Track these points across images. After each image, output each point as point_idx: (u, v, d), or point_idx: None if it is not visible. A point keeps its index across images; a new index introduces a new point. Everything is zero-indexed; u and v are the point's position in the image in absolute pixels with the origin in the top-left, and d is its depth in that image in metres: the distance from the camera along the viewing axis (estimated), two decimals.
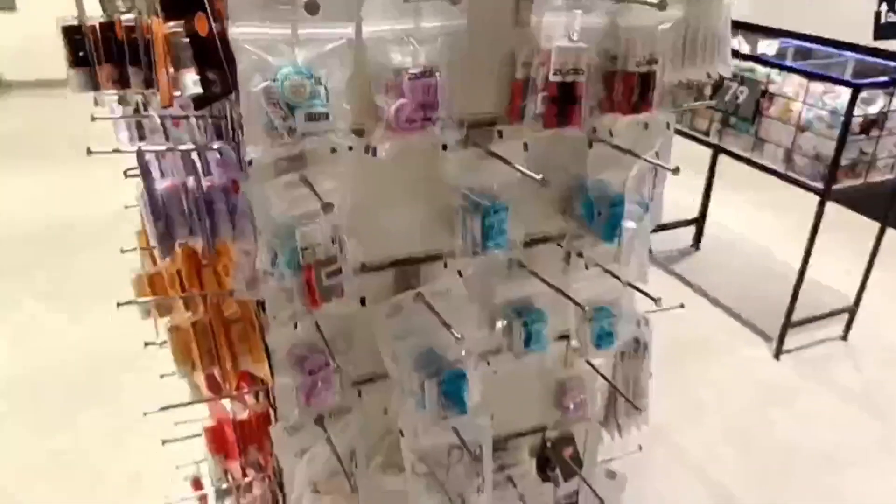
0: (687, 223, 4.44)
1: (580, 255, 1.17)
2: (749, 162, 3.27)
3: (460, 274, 1.09)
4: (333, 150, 0.91)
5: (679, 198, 4.73)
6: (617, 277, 1.14)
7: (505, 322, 1.18)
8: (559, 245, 1.17)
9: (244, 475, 1.30)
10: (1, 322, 3.29)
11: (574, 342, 1.22)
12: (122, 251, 1.22)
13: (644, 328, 1.45)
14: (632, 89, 1.01)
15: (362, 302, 1.00)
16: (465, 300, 1.09)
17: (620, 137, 1.07)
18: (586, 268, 1.16)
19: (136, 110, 1.30)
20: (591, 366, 1.28)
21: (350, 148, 0.87)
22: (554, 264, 1.21)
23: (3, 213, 4.46)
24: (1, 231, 4.18)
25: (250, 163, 0.83)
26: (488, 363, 1.22)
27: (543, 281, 1.13)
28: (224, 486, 1.28)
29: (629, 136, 1.07)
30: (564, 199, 1.15)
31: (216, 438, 1.21)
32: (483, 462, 1.21)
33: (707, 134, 3.54)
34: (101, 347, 2.76)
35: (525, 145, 0.97)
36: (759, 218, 4.82)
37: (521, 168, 0.92)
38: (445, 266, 1.10)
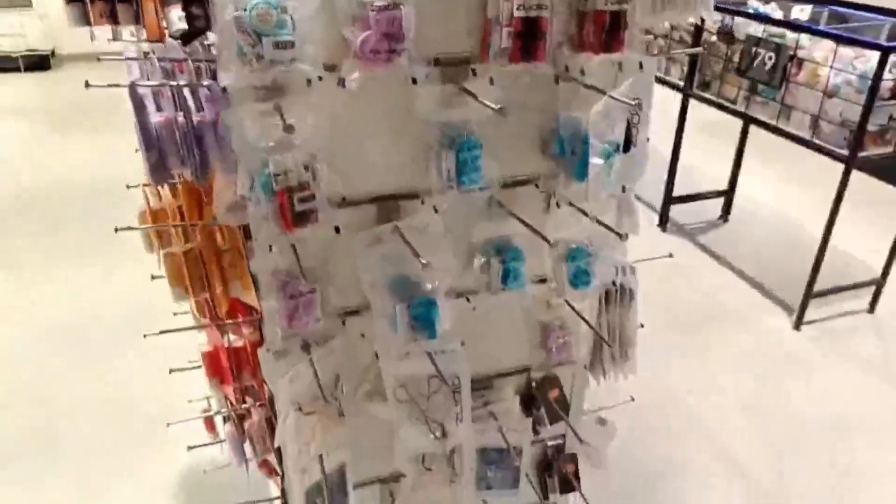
0: (716, 195, 4.38)
1: (553, 194, 1.21)
2: (775, 130, 3.21)
3: (436, 210, 1.14)
4: (308, 82, 0.96)
5: (709, 169, 4.66)
6: (594, 219, 1.17)
7: (483, 259, 1.22)
8: (537, 186, 1.21)
9: (243, 401, 1.39)
10: (48, 272, 3.49)
11: (552, 283, 1.26)
12: (128, 187, 1.31)
13: (630, 276, 1.48)
14: (602, 27, 1.03)
15: (337, 230, 1.06)
16: (442, 236, 1.14)
17: (593, 77, 1.09)
18: (557, 206, 1.19)
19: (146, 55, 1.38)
20: (571, 306, 1.32)
21: (320, 78, 0.93)
22: (535, 206, 1.25)
23: (57, 173, 4.69)
24: (53, 189, 4.41)
25: (224, 90, 0.90)
26: (468, 300, 1.27)
27: (518, 219, 1.17)
28: (224, 411, 1.37)
29: (602, 75, 1.10)
30: (543, 139, 1.19)
31: (212, 363, 1.30)
32: (461, 393, 1.27)
33: (734, 102, 3.48)
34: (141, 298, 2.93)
35: (491, 80, 1.00)
36: (788, 191, 4.73)
37: (483, 101, 0.96)
38: (423, 203, 1.15)
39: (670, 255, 1.58)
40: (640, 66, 1.13)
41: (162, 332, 1.18)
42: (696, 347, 3.17)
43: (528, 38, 0.97)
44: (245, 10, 0.84)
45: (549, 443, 1.58)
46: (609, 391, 1.69)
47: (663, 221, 4.24)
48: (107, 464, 2.36)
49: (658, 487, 2.44)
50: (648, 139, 1.30)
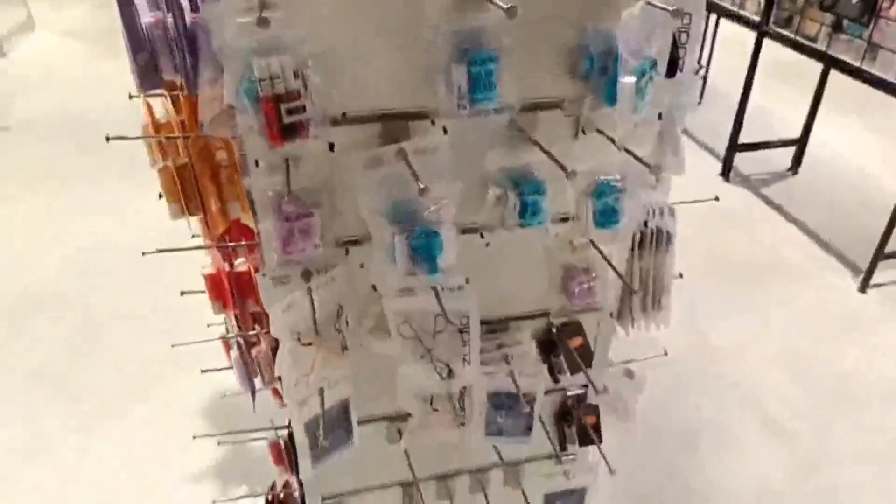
0: (787, 144, 4.08)
1: (576, 118, 1.08)
2: (858, 73, 2.91)
3: (445, 131, 1.04)
4: None
5: (781, 116, 4.32)
6: (621, 147, 1.04)
7: (499, 191, 1.11)
8: (561, 110, 1.08)
9: (251, 327, 1.34)
10: (95, 189, 3.57)
11: (576, 220, 1.14)
12: (130, 96, 1.25)
13: (668, 218, 1.35)
14: None
15: (331, 147, 0.97)
16: (451, 161, 1.04)
17: None
18: (583, 133, 1.06)
19: None
20: (596, 247, 1.20)
21: None
22: (560, 133, 1.13)
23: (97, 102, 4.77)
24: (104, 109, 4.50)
25: None
26: (482, 236, 1.17)
27: (538, 146, 1.05)
28: (231, 335, 1.33)
29: None
30: (571, 56, 1.05)
31: (214, 286, 1.25)
32: (470, 333, 1.18)
33: (815, 41, 3.17)
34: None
35: None
36: (866, 143, 4.36)
37: (495, 1, 0.84)
38: (433, 123, 1.05)
39: (716, 199, 1.43)
40: None
41: (160, 251, 1.14)
42: (751, 302, 3.00)
43: None
44: None
45: (569, 392, 1.50)
46: (647, 343, 1.58)
47: (726, 171, 3.99)
48: (129, 383, 2.42)
49: (692, 446, 2.34)
50: (702, 67, 1.15)
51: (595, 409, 1.50)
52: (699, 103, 4.75)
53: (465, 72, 0.96)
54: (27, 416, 2.35)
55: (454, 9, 0.93)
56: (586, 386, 1.49)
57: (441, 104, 1.00)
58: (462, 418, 1.35)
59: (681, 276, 1.53)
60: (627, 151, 0.99)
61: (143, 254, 1.15)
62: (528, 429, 1.34)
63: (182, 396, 2.30)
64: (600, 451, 1.39)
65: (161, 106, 1.30)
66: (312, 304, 1.07)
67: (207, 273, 1.25)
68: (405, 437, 1.33)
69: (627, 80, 0.92)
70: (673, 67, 1.14)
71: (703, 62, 4.60)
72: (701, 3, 1.09)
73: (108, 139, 1.05)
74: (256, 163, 0.95)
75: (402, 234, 0.98)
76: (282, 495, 1.56)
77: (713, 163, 4.03)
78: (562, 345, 1.38)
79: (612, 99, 0.99)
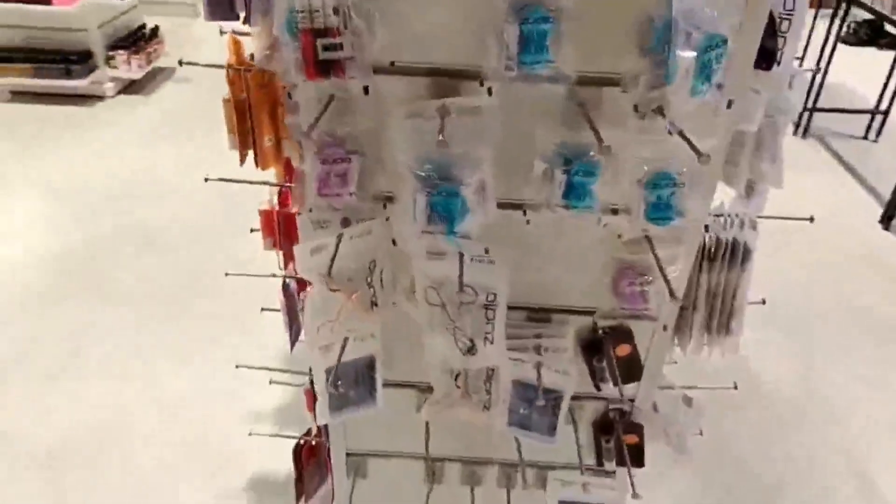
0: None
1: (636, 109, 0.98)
2: None
3: (490, 92, 1.00)
4: None
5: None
6: (675, 130, 0.93)
7: (546, 166, 1.05)
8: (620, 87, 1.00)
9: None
10: None
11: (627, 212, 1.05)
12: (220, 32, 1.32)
13: (749, 231, 1.21)
14: None
15: (366, 90, 0.97)
16: (496, 124, 1.00)
17: None
18: (640, 114, 0.97)
19: None
20: (650, 245, 1.10)
21: None
22: (623, 114, 1.04)
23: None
24: None
25: None
26: (524, 213, 1.11)
27: (589, 123, 0.98)
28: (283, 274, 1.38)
29: None
30: (640, 29, 0.96)
31: (267, 223, 1.30)
32: (496, 311, 1.14)
33: None
34: None
35: None
36: None
37: None
38: (481, 84, 1.01)
39: (811, 219, 1.25)
40: None
41: (220, 179, 1.20)
42: (879, 361, 2.64)
43: None
44: None
45: (612, 406, 1.39)
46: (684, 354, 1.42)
47: (887, 218, 3.54)
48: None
49: (772, 499, 2.10)
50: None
51: (638, 429, 1.38)
52: (875, 140, 4.27)
53: (516, 30, 0.91)
54: (130, 338, 2.59)
55: None
56: (632, 401, 1.38)
57: (489, 63, 0.96)
58: (487, 402, 1.31)
59: (763, 302, 1.37)
60: (682, 135, 0.89)
61: (206, 179, 1.22)
62: (552, 428, 1.26)
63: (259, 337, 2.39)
64: (628, 473, 1.28)
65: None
66: (336, 251, 1.07)
67: (263, 209, 1.30)
68: (426, 408, 1.31)
69: (685, 55, 0.83)
70: (769, 58, 1.02)
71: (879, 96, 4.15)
72: None
73: (180, 63, 1.13)
74: (290, 95, 0.97)
75: (424, 190, 0.95)
76: (313, 442, 1.60)
77: (875, 207, 3.58)
78: (607, 350, 1.28)
79: (670, 76, 0.90)
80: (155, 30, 4.93)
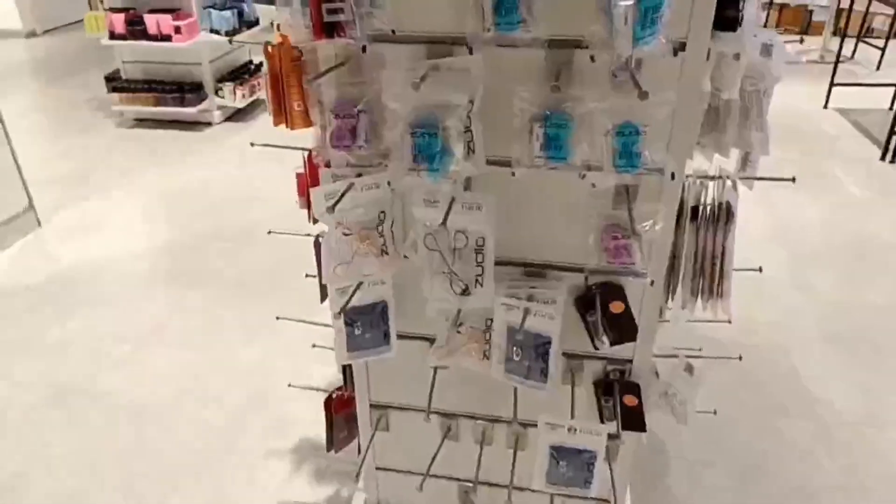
0: None
1: (592, 59, 1.10)
2: None
3: (470, 51, 1.15)
4: None
5: None
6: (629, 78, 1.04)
7: (526, 121, 1.18)
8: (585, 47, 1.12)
9: None
10: None
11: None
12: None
13: (731, 192, 1.28)
14: None
15: (363, 49, 1.15)
16: (479, 80, 1.14)
17: None
18: (614, 76, 1.08)
19: None
20: (627, 194, 1.19)
21: None
22: (595, 74, 1.16)
23: None
24: None
25: None
26: (513, 174, 1.22)
27: (555, 85, 1.10)
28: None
29: None
30: None
31: (301, 184, 1.49)
32: (485, 254, 1.26)
33: None
34: None
35: None
36: None
37: None
38: (470, 52, 1.17)
39: (793, 180, 1.30)
40: None
41: (265, 145, 1.42)
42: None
43: None
44: None
45: (611, 367, 1.46)
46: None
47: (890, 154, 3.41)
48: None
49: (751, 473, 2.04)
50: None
51: (635, 389, 1.44)
52: None
53: None
54: (214, 315, 2.91)
55: None
56: (630, 361, 1.44)
57: (470, 28, 1.12)
58: (487, 351, 1.42)
59: (760, 269, 1.41)
60: (632, 76, 1.00)
61: (252, 144, 1.44)
62: (544, 374, 1.35)
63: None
64: (618, 427, 1.34)
65: None
66: (343, 195, 1.24)
67: (298, 172, 1.50)
68: (430, 353, 1.43)
69: (622, 3, 0.95)
70: (731, 21, 1.11)
71: None
72: None
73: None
74: (301, 52, 1.16)
75: (410, 131, 1.11)
76: (345, 395, 1.76)
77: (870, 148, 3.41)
78: (602, 307, 1.37)
79: (613, 27, 1.01)
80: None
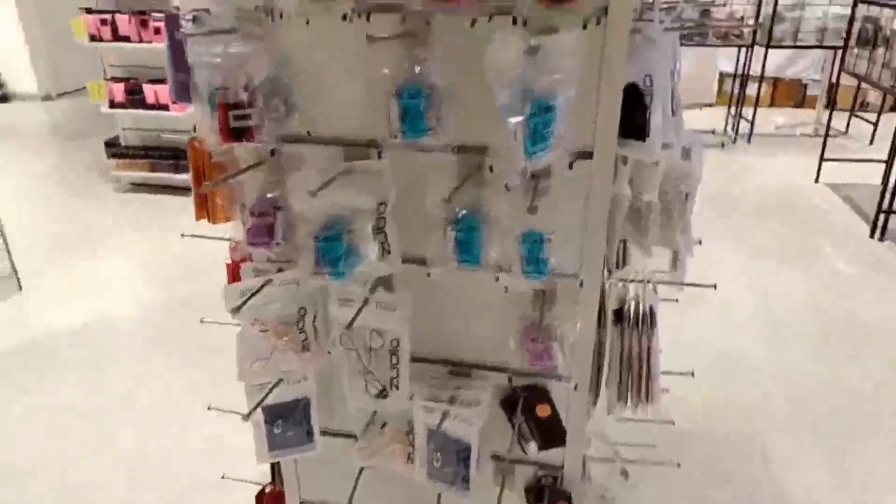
0: None
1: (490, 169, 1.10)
2: None
3: (379, 155, 1.15)
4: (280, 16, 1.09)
5: None
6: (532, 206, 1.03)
7: (441, 223, 1.17)
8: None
9: None
10: None
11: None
12: None
13: (652, 294, 1.25)
14: None
15: (272, 153, 1.15)
16: (390, 183, 1.14)
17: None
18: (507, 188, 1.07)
19: None
20: (542, 297, 1.17)
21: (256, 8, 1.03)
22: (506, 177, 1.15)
23: None
24: None
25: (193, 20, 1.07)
26: (428, 274, 1.20)
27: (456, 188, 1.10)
28: None
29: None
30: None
31: (231, 274, 1.48)
32: (400, 356, 1.23)
33: None
34: None
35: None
36: None
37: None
38: (379, 156, 1.17)
39: (714, 287, 1.26)
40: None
41: (193, 235, 1.42)
42: None
43: None
44: None
45: (541, 472, 1.40)
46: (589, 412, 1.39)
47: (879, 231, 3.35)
48: None
49: None
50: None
51: (566, 496, 1.37)
52: None
53: (397, 104, 1.08)
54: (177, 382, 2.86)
55: (395, 59, 1.05)
56: (560, 468, 1.38)
57: (381, 133, 1.12)
58: (411, 453, 1.37)
59: (692, 374, 1.36)
60: (506, 188, 0.99)
61: (182, 235, 1.44)
62: (465, 481, 1.30)
63: None
64: None
65: None
66: (257, 291, 1.22)
67: (227, 262, 1.50)
68: (354, 452, 1.39)
69: (513, 120, 0.95)
70: (636, 129, 1.11)
71: None
72: (664, 66, 1.06)
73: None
74: (210, 156, 1.17)
75: (313, 235, 1.10)
76: (276, 490, 1.69)
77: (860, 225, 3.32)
78: (529, 412, 1.32)
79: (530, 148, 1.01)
80: None
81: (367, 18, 1.07)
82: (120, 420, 2.69)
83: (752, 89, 6.50)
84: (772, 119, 7.02)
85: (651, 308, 1.24)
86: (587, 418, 1.32)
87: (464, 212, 1.15)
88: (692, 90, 7.57)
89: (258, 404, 1.30)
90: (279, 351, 1.31)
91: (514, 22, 1.00)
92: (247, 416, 1.28)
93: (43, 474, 2.40)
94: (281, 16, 1.07)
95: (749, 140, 6.33)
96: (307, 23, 1.10)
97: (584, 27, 0.98)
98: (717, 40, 6.28)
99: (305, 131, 1.19)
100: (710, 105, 7.64)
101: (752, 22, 6.08)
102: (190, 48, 1.07)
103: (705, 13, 6.09)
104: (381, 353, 1.24)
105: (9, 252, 3.56)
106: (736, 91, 6.58)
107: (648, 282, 1.24)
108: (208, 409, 1.60)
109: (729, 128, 6.62)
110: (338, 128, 1.19)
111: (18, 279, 3.63)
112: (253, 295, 1.23)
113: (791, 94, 7.58)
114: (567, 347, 1.25)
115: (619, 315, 1.26)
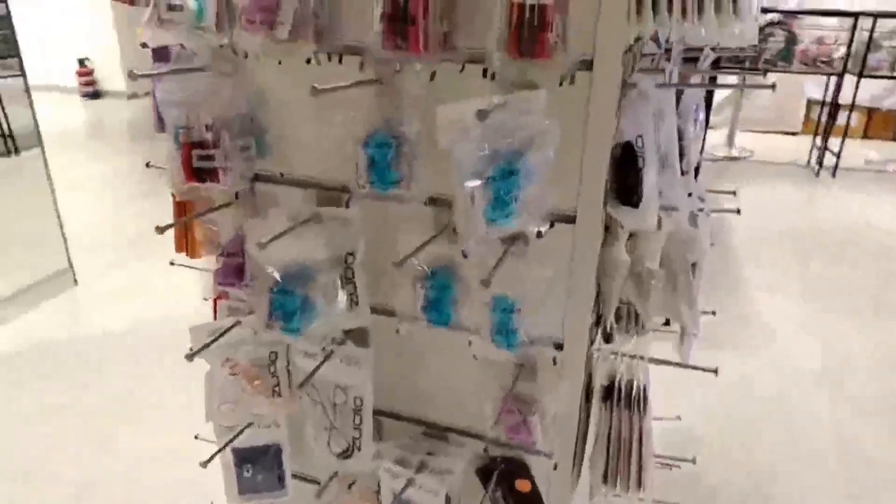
0: None
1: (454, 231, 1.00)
2: None
3: (347, 205, 1.08)
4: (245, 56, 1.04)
5: None
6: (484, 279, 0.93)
7: (411, 278, 1.09)
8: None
9: None
10: None
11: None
12: None
13: (639, 371, 1.12)
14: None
15: (236, 196, 1.10)
16: (360, 235, 1.07)
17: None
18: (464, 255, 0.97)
19: None
20: (519, 368, 1.06)
21: (222, 47, 0.99)
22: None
23: None
24: None
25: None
26: (398, 331, 1.12)
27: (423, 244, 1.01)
28: None
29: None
30: None
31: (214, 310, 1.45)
32: (363, 416, 1.15)
33: None
34: None
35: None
36: None
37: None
38: (347, 204, 1.10)
39: (715, 372, 1.11)
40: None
41: (182, 265, 1.40)
42: None
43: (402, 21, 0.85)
44: None
45: None
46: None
47: None
48: None
49: None
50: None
51: None
52: None
53: (364, 153, 1.00)
54: None
55: (364, 106, 0.98)
56: None
57: (351, 182, 1.05)
58: None
59: (693, 461, 1.22)
60: (464, 255, 0.90)
61: (172, 263, 1.43)
62: None
63: None
64: None
65: None
66: (225, 332, 1.17)
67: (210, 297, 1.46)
68: None
69: (469, 184, 0.85)
70: (628, 193, 1.00)
71: None
72: (647, 124, 0.94)
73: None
74: (174, 196, 1.13)
75: (268, 286, 1.04)
76: None
77: None
78: (507, 488, 1.22)
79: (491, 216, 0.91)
80: None
81: (340, 61, 1.00)
82: (138, 421, 2.72)
83: (842, 118, 6.07)
84: (862, 152, 6.54)
85: (644, 388, 1.11)
86: (570, 499, 1.20)
87: (436, 268, 1.07)
88: (775, 118, 7.17)
89: (220, 449, 1.26)
90: (249, 394, 1.26)
91: (485, 74, 0.91)
92: (205, 464, 1.24)
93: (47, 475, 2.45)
94: (246, 56, 1.02)
95: (834, 174, 5.91)
96: (279, 63, 1.04)
97: (561, 84, 0.87)
98: (803, 66, 5.89)
99: (279, 172, 1.13)
100: (795, 133, 7.20)
101: (843, 49, 5.67)
102: (157, 84, 1.04)
103: (791, 40, 5.75)
104: (345, 411, 1.17)
105: (66, 247, 3.71)
106: (823, 119, 6.16)
107: (641, 358, 1.11)
108: (195, 437, 1.57)
109: (812, 159, 6.20)
110: (311, 170, 1.13)
111: (74, 274, 3.78)
112: (220, 336, 1.18)
113: (888, 125, 7.04)
114: (548, 422, 1.14)
115: (609, 391, 1.14)
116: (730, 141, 6.63)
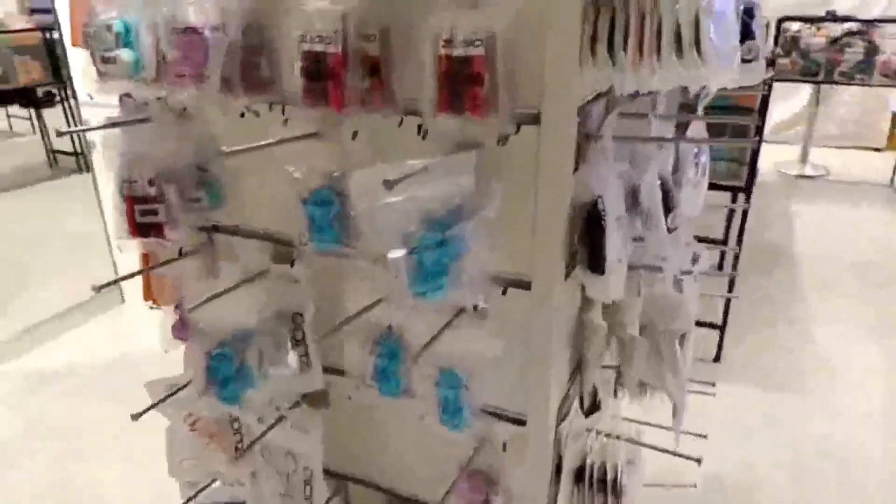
0: None
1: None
2: None
3: (292, 264, 1.00)
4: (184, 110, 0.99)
5: None
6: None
7: (362, 343, 1.00)
8: None
9: None
10: None
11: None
12: None
13: (627, 465, 0.99)
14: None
15: (180, 252, 1.04)
16: (309, 295, 1.00)
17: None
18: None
19: None
20: (478, 446, 0.96)
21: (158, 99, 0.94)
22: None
23: None
24: None
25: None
26: (350, 397, 1.04)
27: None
28: None
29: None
30: None
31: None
32: (314, 488, 1.08)
33: None
34: None
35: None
36: None
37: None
38: (292, 263, 1.02)
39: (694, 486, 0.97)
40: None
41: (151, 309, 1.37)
42: None
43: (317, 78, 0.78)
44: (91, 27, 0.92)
45: None
46: None
47: None
48: None
49: None
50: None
51: None
52: None
53: (304, 210, 0.94)
54: None
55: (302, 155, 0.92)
56: None
57: (295, 238, 0.98)
58: None
59: None
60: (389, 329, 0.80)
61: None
62: None
63: None
64: None
65: None
66: (180, 389, 1.12)
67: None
68: None
69: (394, 255, 0.76)
70: (593, 258, 0.88)
71: None
72: (608, 183, 0.82)
73: None
74: (119, 248, 1.08)
75: (205, 349, 0.98)
76: None
77: None
78: None
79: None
80: None
81: (283, 112, 0.94)
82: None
83: None
84: None
85: (618, 472, 0.98)
86: None
87: (386, 333, 0.99)
88: (855, 133, 6.69)
89: (187, 501, 1.21)
90: (210, 451, 1.21)
91: (419, 131, 0.82)
92: None
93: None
94: (185, 108, 0.96)
95: None
96: (224, 114, 0.98)
97: (499, 142, 0.77)
98: (884, 79, 5.46)
99: (234, 224, 1.08)
100: (878, 149, 6.70)
101: None
102: (101, 137, 1.00)
103: (872, 51, 5.34)
104: (295, 480, 1.09)
105: (114, 263, 3.83)
106: None
107: (617, 437, 0.98)
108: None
109: None
110: (264, 223, 1.07)
111: (122, 292, 3.89)
112: (176, 392, 1.14)
113: None
114: (513, 502, 1.03)
115: (581, 473, 1.02)
116: (803, 157, 6.22)
